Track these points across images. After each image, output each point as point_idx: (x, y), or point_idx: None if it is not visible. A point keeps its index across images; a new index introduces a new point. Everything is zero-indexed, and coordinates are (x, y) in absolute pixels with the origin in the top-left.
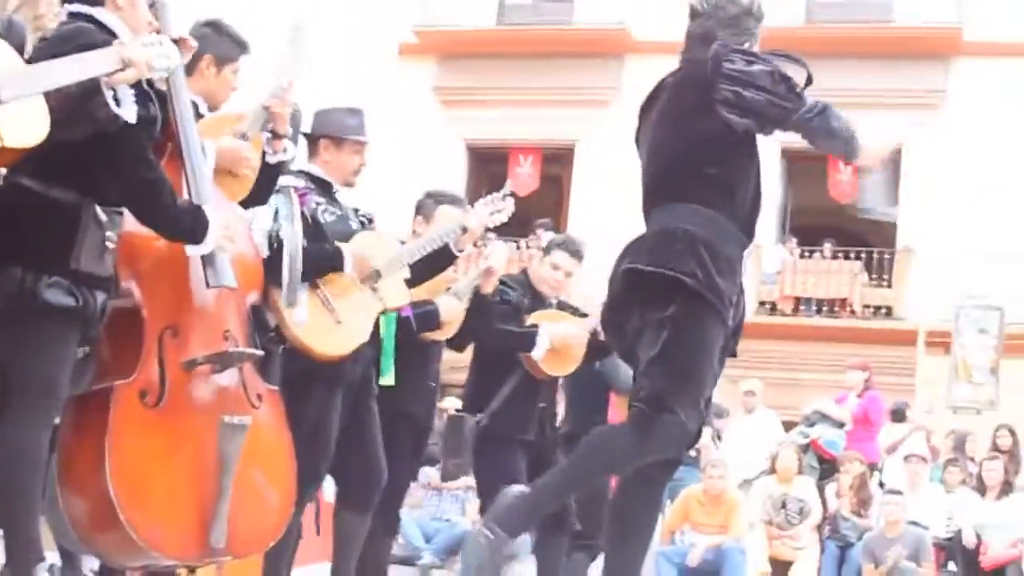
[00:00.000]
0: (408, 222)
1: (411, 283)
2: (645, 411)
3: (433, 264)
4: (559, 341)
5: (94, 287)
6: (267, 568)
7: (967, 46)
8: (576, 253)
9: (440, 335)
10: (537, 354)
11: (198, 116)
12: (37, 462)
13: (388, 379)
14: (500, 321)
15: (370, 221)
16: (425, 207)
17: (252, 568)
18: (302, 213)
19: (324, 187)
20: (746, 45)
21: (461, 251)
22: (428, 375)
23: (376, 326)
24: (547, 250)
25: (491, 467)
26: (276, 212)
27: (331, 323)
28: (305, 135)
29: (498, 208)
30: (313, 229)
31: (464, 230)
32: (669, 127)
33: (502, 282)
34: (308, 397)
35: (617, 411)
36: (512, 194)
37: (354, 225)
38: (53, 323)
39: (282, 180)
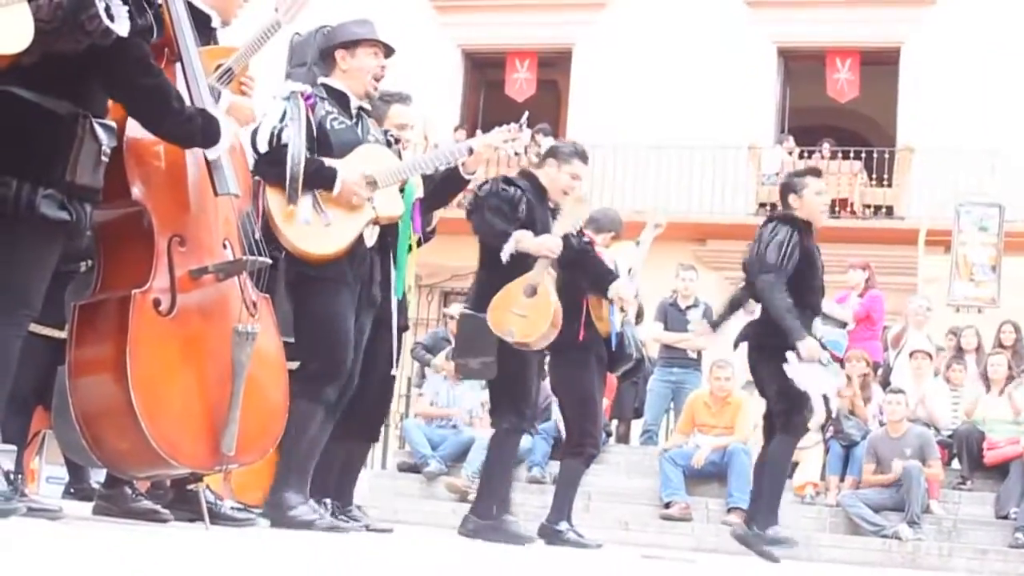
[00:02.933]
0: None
1: (425, 206)
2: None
3: (445, 188)
4: (533, 247)
5: (85, 199)
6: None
7: None
8: (587, 158)
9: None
10: (504, 254)
11: (210, 31)
12: (6, 366)
13: (400, 291)
14: (491, 213)
15: (397, 141)
16: (376, 108)
17: (255, 475)
18: (308, 120)
19: (341, 99)
20: None
21: (471, 173)
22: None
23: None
24: (561, 159)
25: (506, 373)
26: (284, 114)
27: (321, 226)
28: (320, 53)
29: (513, 137)
30: (318, 135)
31: (471, 152)
32: None
33: (506, 179)
34: (312, 296)
35: (594, 312)
36: (524, 122)
37: (370, 138)
38: (43, 236)
39: (291, 86)
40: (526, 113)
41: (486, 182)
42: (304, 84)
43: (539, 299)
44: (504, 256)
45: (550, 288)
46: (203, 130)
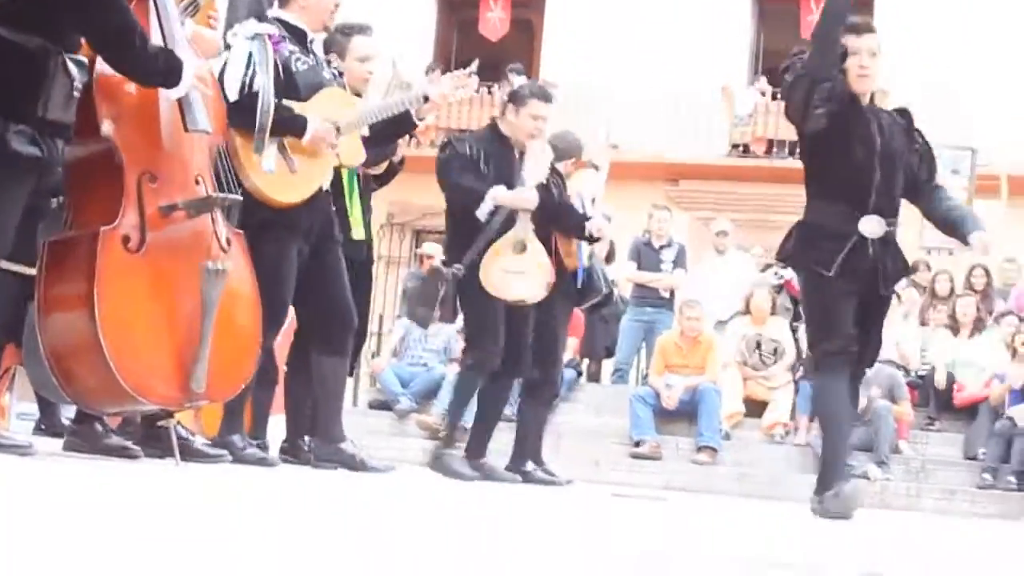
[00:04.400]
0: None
1: (369, 142)
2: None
3: (393, 129)
4: (508, 201)
5: (56, 135)
6: (225, 418)
7: None
8: (549, 97)
9: (375, 169)
10: (480, 213)
11: None
12: None
13: (359, 233)
14: (457, 174)
15: (340, 75)
16: (336, 43)
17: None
18: (275, 61)
19: (298, 36)
20: None
21: (422, 119)
22: (366, 213)
23: (337, 180)
24: (519, 102)
25: (475, 315)
26: (249, 57)
27: (287, 173)
28: None
29: (462, 84)
30: (285, 78)
31: (426, 99)
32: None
33: (458, 138)
34: (265, 243)
35: (562, 248)
36: (475, 69)
37: (326, 75)
38: (13, 171)
39: (256, 27)
40: (476, 61)
41: (446, 142)
42: (263, 24)
43: (532, 255)
44: (482, 215)
45: (536, 242)
46: (165, 70)
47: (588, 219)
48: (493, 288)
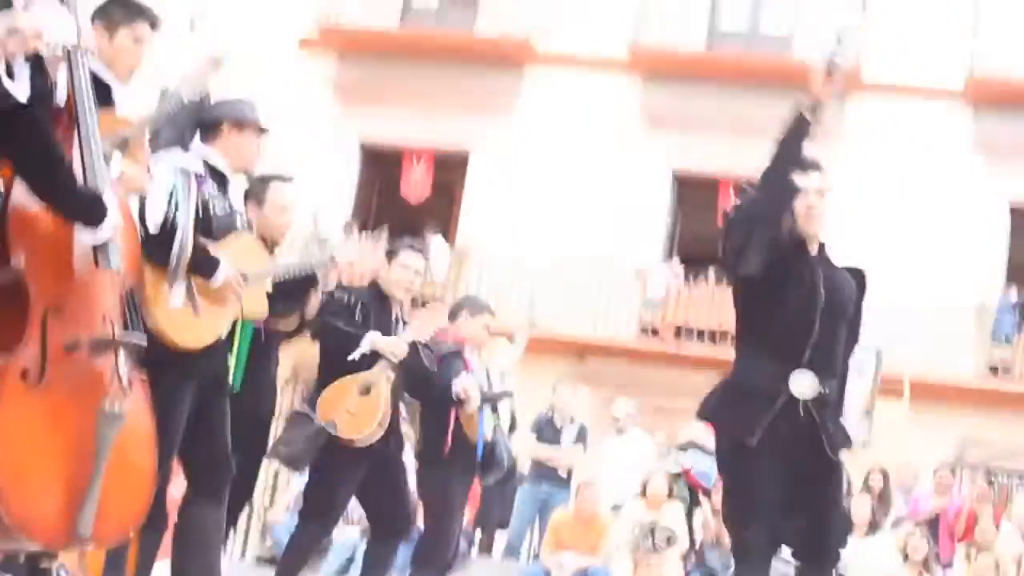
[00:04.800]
0: (299, 218)
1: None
2: None
3: (296, 286)
4: (382, 347)
5: None
6: (108, 563)
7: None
8: (420, 250)
9: (285, 326)
10: (354, 355)
11: (102, 85)
12: None
13: (235, 386)
14: (331, 316)
15: (251, 223)
16: (255, 190)
17: None
18: (196, 199)
19: (219, 178)
20: None
21: (325, 280)
22: (271, 373)
23: (232, 329)
24: (391, 256)
25: (324, 483)
26: (172, 193)
27: (190, 315)
28: (203, 120)
29: (369, 250)
30: (203, 219)
31: (334, 260)
32: None
33: (339, 286)
34: (157, 384)
35: (465, 423)
36: (386, 231)
37: (239, 223)
38: None
39: (182, 161)
40: (384, 228)
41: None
42: (191, 157)
43: (371, 399)
44: (355, 356)
45: (384, 390)
46: (89, 210)
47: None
48: (320, 414)
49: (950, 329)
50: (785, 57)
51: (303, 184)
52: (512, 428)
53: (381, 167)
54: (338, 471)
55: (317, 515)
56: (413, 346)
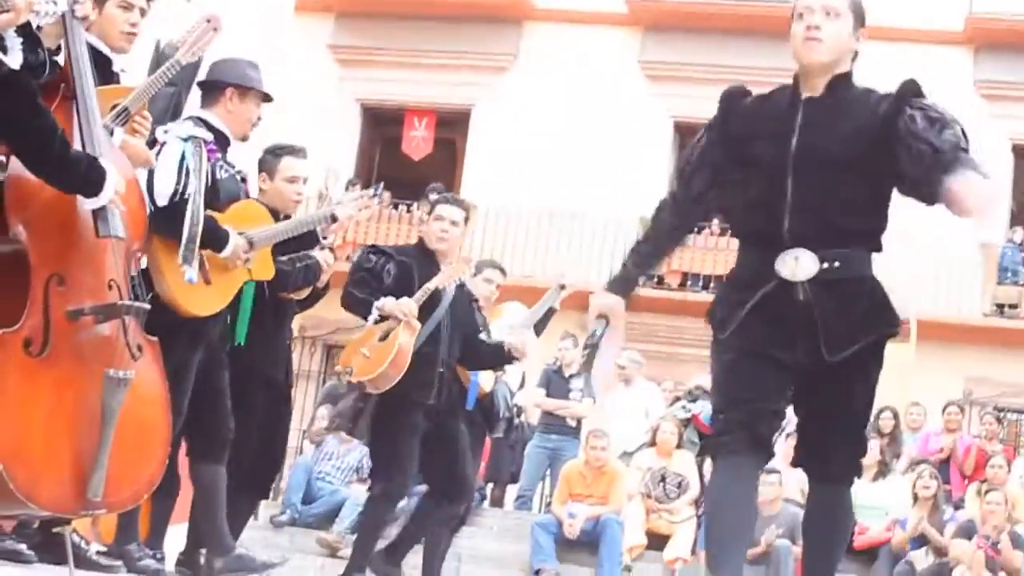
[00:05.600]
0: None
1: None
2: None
3: (297, 245)
4: (389, 309)
5: None
6: (121, 527)
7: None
8: (457, 202)
9: (297, 295)
10: (369, 321)
11: (99, 59)
12: None
13: (240, 340)
14: (353, 285)
15: (243, 180)
16: (267, 163)
17: None
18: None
19: (221, 141)
20: None
21: (326, 238)
22: (284, 335)
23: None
24: (430, 209)
25: (383, 442)
26: (182, 161)
27: (201, 284)
28: (204, 83)
29: (366, 204)
30: (211, 188)
31: (334, 219)
32: None
33: (371, 248)
34: (169, 351)
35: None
36: (379, 191)
37: (240, 187)
38: None
39: (192, 130)
40: (380, 184)
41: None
42: (199, 128)
43: (386, 344)
44: (370, 321)
45: (403, 337)
46: (85, 178)
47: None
48: (341, 360)
49: (956, 269)
50: (780, 7)
51: (303, 143)
52: (521, 384)
53: (382, 127)
54: (394, 433)
55: (384, 481)
56: (464, 302)
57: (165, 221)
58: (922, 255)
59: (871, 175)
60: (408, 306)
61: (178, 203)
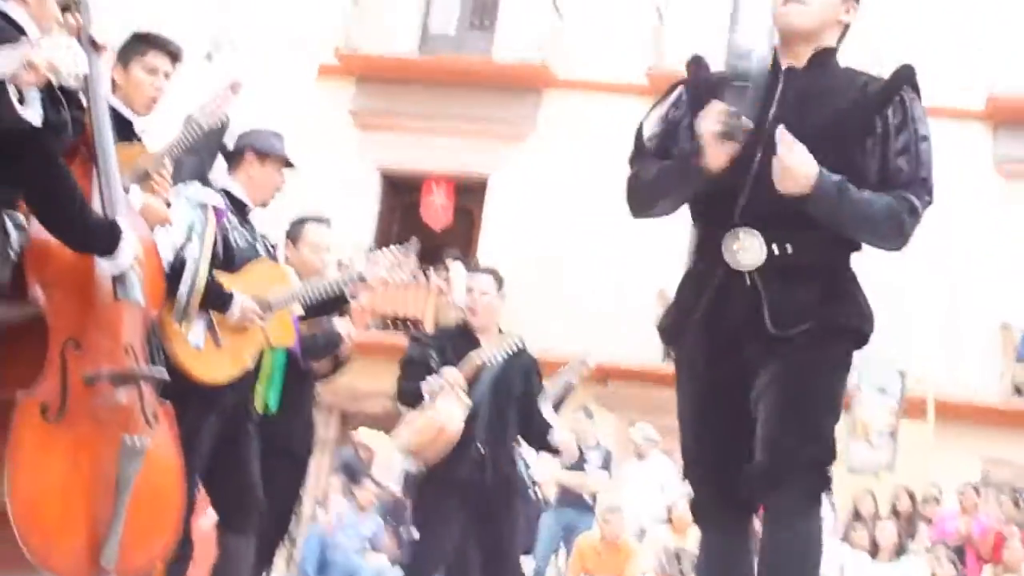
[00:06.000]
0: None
1: (301, 319)
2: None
3: (325, 306)
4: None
5: None
6: None
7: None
8: (486, 271)
9: (319, 368)
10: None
11: (121, 121)
12: None
13: (271, 406)
14: (404, 379)
15: (274, 248)
16: (292, 231)
17: None
18: (214, 233)
19: (239, 208)
20: None
21: (354, 297)
22: (306, 405)
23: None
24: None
25: (423, 525)
26: (191, 228)
27: (212, 348)
28: (227, 151)
29: (399, 263)
30: (223, 251)
31: (362, 279)
32: None
33: (411, 340)
34: (180, 416)
35: None
36: (412, 248)
37: (261, 251)
38: None
39: (203, 195)
40: (414, 239)
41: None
42: (206, 188)
43: (435, 414)
44: (425, 404)
45: (450, 406)
46: (102, 238)
47: (550, 428)
48: (392, 436)
49: (974, 349)
50: None
51: (323, 210)
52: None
53: (401, 193)
54: (431, 520)
55: (412, 565)
56: (518, 372)
57: (169, 284)
58: (940, 334)
59: (847, 155)
60: (453, 375)
61: (179, 266)
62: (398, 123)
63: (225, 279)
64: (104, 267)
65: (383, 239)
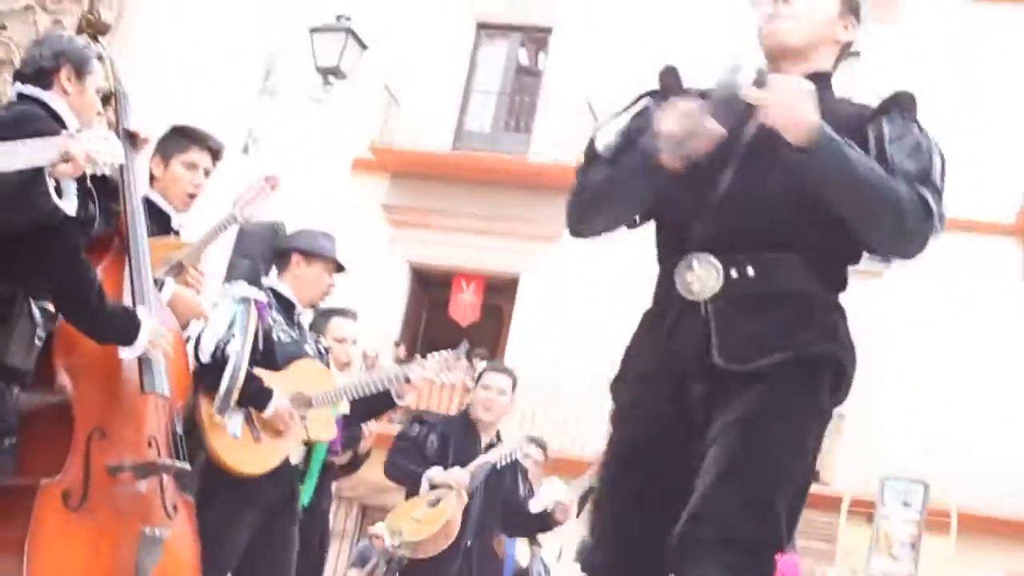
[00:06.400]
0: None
1: (349, 421)
2: None
3: (372, 407)
4: (441, 480)
5: (13, 380)
6: None
7: None
8: (505, 371)
9: (338, 460)
10: (419, 492)
11: (158, 214)
12: None
13: (304, 502)
14: (396, 454)
15: (327, 351)
16: (317, 324)
17: None
18: (257, 328)
19: (286, 307)
20: None
21: (400, 398)
22: (324, 501)
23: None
24: (478, 379)
25: None
26: (233, 322)
27: (250, 441)
28: (276, 251)
29: (449, 366)
30: (265, 346)
31: (407, 380)
32: None
33: (416, 419)
34: (215, 508)
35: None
36: (463, 352)
37: (309, 350)
38: None
39: (246, 291)
40: (464, 342)
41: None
42: (251, 286)
43: (438, 510)
44: (421, 492)
45: (453, 503)
46: (119, 328)
47: (537, 518)
48: (387, 526)
49: (998, 462)
50: None
51: (352, 302)
52: (558, 558)
53: (430, 289)
54: None
55: None
56: (510, 473)
57: (210, 377)
58: (964, 447)
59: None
60: (461, 477)
61: (221, 360)
62: (430, 219)
63: (267, 376)
64: (124, 353)
65: (410, 333)
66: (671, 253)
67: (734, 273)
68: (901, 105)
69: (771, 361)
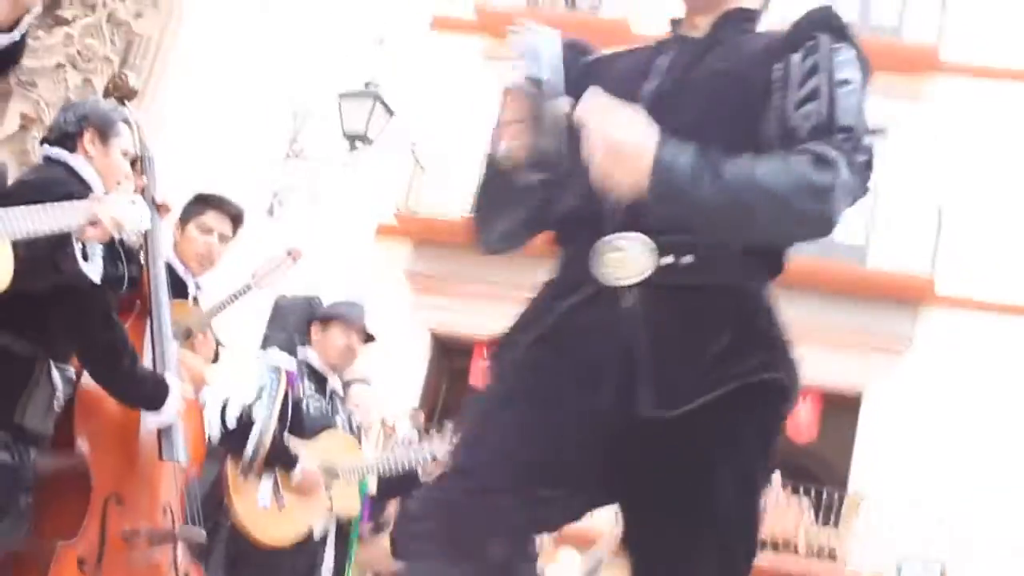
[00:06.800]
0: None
1: (377, 498)
2: None
3: (399, 486)
4: None
5: (31, 443)
6: None
7: (937, 297)
8: None
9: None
10: None
11: (177, 278)
12: None
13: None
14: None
15: (359, 427)
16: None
17: None
18: (285, 395)
19: (318, 379)
20: None
21: (430, 475)
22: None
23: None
24: None
25: None
26: (261, 388)
27: (275, 510)
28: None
29: None
30: (294, 415)
31: (434, 458)
32: None
33: None
34: (239, 572)
35: None
36: None
37: (339, 424)
38: None
39: (278, 359)
40: None
41: None
42: (287, 356)
43: None
44: None
45: None
46: (149, 393)
47: None
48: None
49: (1014, 544)
50: None
51: (372, 368)
52: None
53: (451, 356)
54: None
55: None
56: None
57: (236, 441)
58: (981, 529)
59: (744, 130)
60: None
61: (247, 425)
62: (453, 286)
63: (295, 443)
64: (149, 421)
65: (430, 401)
66: (576, 228)
67: (669, 258)
68: (814, 31)
69: (712, 397)
